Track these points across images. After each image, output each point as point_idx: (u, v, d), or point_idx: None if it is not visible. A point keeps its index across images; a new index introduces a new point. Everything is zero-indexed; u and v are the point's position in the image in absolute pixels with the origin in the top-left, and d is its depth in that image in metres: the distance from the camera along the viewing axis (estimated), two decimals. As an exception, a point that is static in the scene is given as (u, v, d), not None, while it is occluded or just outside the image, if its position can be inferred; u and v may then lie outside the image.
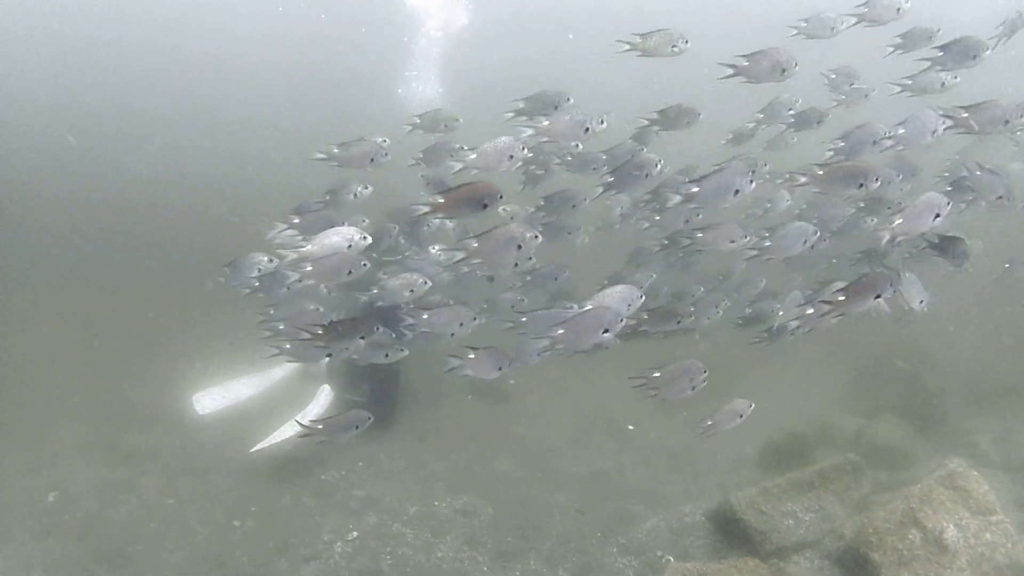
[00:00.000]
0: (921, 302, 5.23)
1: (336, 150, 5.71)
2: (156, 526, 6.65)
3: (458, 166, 4.89)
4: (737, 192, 4.64)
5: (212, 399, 8.20)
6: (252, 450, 7.48)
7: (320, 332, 4.96)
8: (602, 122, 5.22)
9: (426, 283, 5.57)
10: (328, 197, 6.14)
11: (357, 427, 5.07)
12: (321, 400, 8.35)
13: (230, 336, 8.41)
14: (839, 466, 6.15)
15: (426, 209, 4.49)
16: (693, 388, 4.94)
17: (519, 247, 4.52)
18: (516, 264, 4.75)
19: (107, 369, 9.49)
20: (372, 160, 5.76)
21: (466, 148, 5.16)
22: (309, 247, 5.03)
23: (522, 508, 7.14)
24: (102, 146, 18.75)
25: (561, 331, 4.31)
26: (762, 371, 10.50)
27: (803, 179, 4.68)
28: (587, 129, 5.20)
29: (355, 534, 6.67)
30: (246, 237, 6.46)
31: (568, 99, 5.62)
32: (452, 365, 4.77)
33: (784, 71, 5.02)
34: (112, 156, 18.46)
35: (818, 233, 4.99)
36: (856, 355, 9.87)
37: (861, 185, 4.70)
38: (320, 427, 5.13)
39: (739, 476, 7.57)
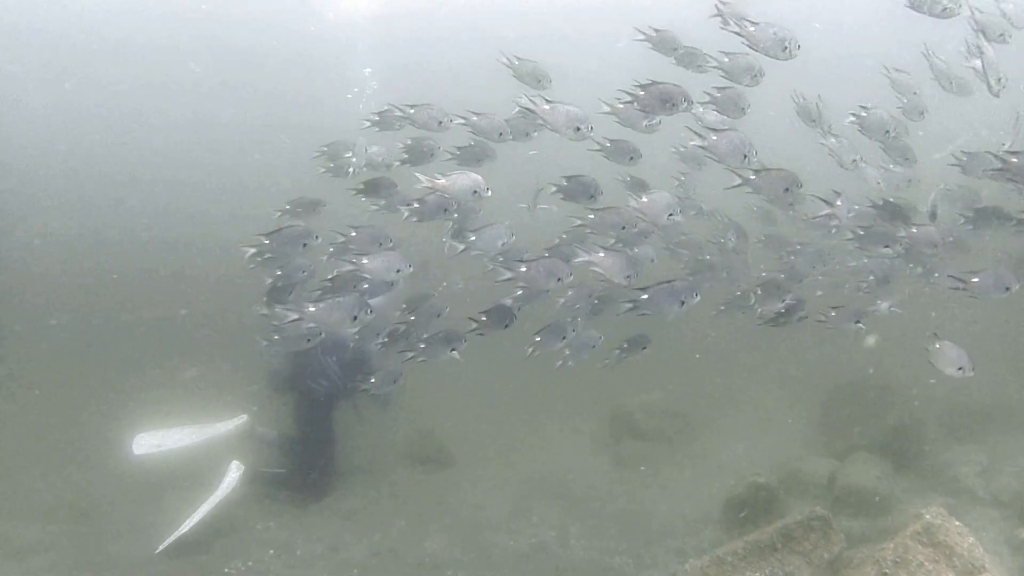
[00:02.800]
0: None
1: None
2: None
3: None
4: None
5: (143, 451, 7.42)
6: (158, 550, 6.59)
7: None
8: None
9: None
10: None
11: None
12: (231, 477, 7.39)
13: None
14: (805, 523, 5.27)
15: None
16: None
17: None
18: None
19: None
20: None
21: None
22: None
23: (446, 597, 6.17)
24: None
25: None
26: (727, 413, 9.73)
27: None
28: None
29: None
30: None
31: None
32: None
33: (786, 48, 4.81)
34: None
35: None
36: (825, 389, 9.09)
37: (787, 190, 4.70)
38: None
39: (699, 538, 6.66)
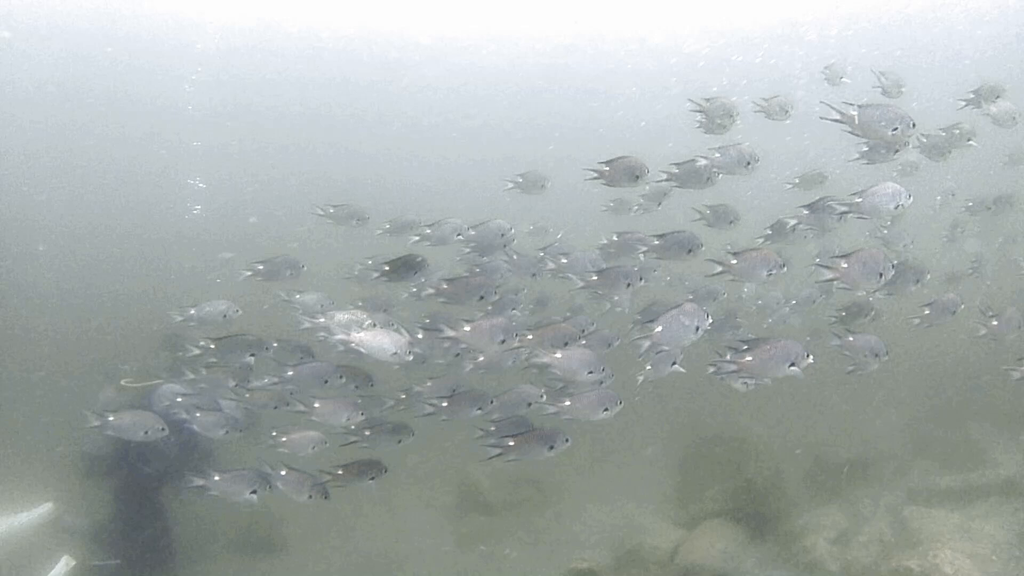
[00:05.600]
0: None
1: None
2: None
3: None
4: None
5: None
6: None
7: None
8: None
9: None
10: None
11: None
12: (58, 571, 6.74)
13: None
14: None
15: None
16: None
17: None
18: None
19: None
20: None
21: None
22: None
23: None
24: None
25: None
26: (586, 478, 8.94)
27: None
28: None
29: None
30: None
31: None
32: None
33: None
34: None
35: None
36: (687, 446, 8.38)
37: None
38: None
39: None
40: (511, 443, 4.13)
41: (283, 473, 4.44)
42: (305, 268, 5.69)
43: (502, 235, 5.21)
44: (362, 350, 4.34)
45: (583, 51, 16.60)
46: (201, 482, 4.44)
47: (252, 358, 5.13)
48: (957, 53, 13.59)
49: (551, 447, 4.15)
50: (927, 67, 13.48)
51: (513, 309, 5.42)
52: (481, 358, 4.74)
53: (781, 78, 14.29)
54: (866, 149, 5.05)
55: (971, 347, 8.94)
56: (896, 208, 4.27)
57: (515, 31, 15.63)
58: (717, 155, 4.81)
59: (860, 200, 4.25)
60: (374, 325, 4.66)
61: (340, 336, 4.38)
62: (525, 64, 16.81)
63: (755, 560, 6.39)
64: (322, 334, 4.75)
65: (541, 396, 4.61)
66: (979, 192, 6.96)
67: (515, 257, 5.27)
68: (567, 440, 4.19)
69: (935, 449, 7.88)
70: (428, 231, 5.30)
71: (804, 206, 4.77)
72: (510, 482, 8.50)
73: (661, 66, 16.35)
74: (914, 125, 4.21)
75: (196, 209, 17.30)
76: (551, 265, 5.09)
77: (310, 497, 4.45)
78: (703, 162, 4.82)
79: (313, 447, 4.72)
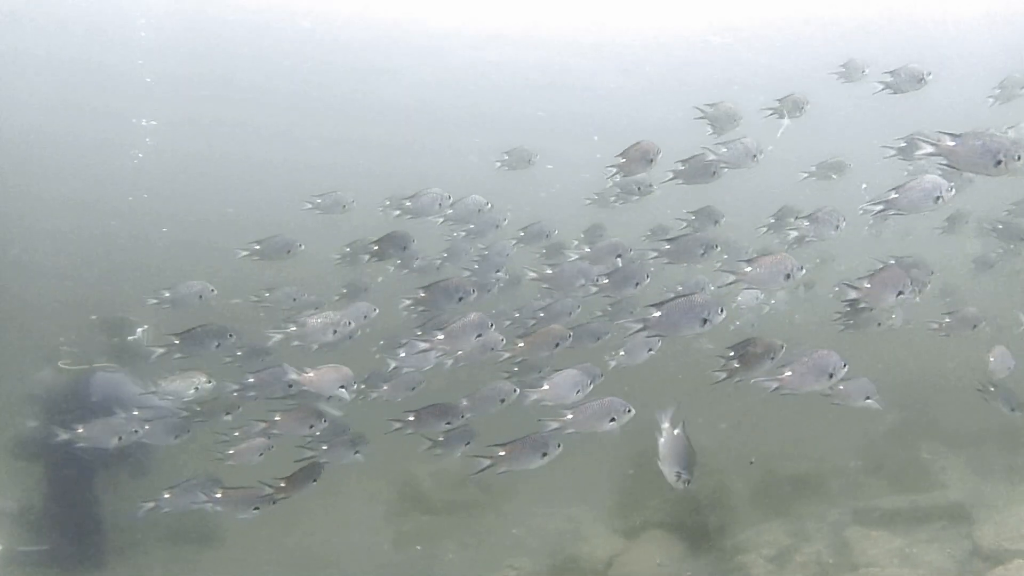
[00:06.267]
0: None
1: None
2: None
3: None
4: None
5: None
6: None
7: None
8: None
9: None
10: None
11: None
12: None
13: None
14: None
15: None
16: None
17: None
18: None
19: None
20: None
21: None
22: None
23: None
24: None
25: None
26: (533, 480, 8.74)
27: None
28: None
29: None
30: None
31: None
32: None
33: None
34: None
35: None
36: (638, 454, 8.19)
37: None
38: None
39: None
40: (502, 453, 3.88)
41: (218, 496, 4.34)
42: (303, 247, 5.65)
43: (479, 211, 5.38)
44: (311, 389, 4.32)
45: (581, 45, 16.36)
46: (152, 504, 4.47)
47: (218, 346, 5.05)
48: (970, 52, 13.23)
49: (544, 454, 3.91)
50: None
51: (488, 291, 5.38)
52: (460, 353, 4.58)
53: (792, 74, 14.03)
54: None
55: (933, 362, 8.83)
56: (937, 202, 3.94)
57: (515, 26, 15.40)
58: (724, 150, 4.78)
59: (897, 196, 3.91)
60: (349, 324, 4.63)
61: (292, 376, 4.31)
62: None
63: (693, 573, 6.24)
64: (295, 342, 4.68)
65: (514, 392, 4.47)
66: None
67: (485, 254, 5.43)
68: (559, 445, 3.93)
69: (887, 468, 7.73)
70: (408, 203, 5.31)
71: (804, 216, 4.73)
72: (456, 482, 8.32)
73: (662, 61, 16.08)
74: (1020, 158, 3.60)
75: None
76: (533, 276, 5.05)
77: (256, 509, 4.36)
78: (711, 157, 4.80)
79: (260, 454, 4.63)
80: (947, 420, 8.02)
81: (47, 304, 12.70)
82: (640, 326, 3.68)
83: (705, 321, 3.64)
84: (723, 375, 3.65)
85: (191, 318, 5.19)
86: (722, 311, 3.68)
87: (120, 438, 4.71)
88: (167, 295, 5.35)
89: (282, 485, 4.33)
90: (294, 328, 4.61)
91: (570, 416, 3.80)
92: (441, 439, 4.53)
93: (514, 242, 5.70)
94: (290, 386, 4.50)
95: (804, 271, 3.83)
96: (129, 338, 7.27)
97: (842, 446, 8.19)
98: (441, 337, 4.17)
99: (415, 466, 8.42)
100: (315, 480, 4.49)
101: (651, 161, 4.87)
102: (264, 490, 4.33)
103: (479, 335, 4.25)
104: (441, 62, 16.60)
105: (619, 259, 4.95)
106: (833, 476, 7.65)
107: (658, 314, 3.62)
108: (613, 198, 5.83)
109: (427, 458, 8.39)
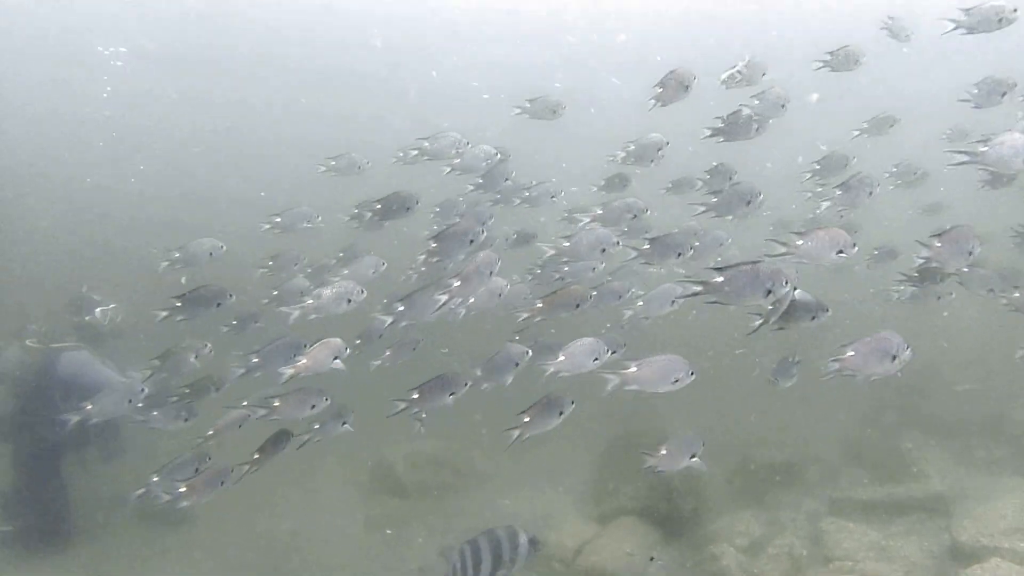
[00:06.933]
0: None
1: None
2: None
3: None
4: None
5: None
6: None
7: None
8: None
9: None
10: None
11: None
12: None
13: None
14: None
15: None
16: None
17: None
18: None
19: None
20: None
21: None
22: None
23: None
24: None
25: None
26: (506, 465, 8.61)
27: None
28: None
29: None
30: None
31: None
32: None
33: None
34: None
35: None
36: (613, 439, 8.03)
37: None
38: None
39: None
40: (526, 419, 3.80)
41: (182, 491, 4.23)
42: (320, 219, 5.77)
43: (487, 161, 5.36)
44: (308, 373, 4.19)
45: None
46: (142, 491, 4.46)
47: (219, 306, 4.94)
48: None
49: (560, 412, 3.87)
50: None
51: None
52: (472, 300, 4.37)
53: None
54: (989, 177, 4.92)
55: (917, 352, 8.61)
56: None
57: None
58: (756, 102, 4.88)
59: (986, 149, 3.57)
60: (362, 293, 4.60)
61: (287, 371, 4.18)
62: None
63: (660, 565, 6.08)
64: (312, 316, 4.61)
65: (526, 354, 4.37)
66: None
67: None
68: (572, 403, 3.90)
69: (866, 457, 7.56)
70: (426, 144, 5.33)
71: (837, 186, 4.84)
72: (428, 464, 8.16)
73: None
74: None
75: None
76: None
77: (222, 484, 4.29)
78: (746, 111, 4.84)
79: (240, 426, 4.55)
80: (932, 409, 7.85)
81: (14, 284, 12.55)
82: (698, 288, 3.26)
83: (769, 292, 3.28)
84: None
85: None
86: (786, 283, 3.33)
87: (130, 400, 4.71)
88: (177, 255, 5.33)
89: (256, 456, 4.26)
90: (310, 301, 4.55)
91: (633, 369, 3.58)
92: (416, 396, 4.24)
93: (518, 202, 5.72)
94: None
95: (856, 248, 3.49)
96: (87, 318, 7.10)
97: (824, 434, 8.03)
98: (457, 283, 3.98)
99: (389, 448, 8.27)
100: (284, 447, 4.38)
101: (687, 88, 4.84)
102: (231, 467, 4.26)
103: (491, 272, 4.08)
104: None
105: (634, 219, 4.87)
106: (812, 464, 7.48)
107: (720, 279, 3.24)
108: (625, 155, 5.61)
109: (401, 440, 8.34)
